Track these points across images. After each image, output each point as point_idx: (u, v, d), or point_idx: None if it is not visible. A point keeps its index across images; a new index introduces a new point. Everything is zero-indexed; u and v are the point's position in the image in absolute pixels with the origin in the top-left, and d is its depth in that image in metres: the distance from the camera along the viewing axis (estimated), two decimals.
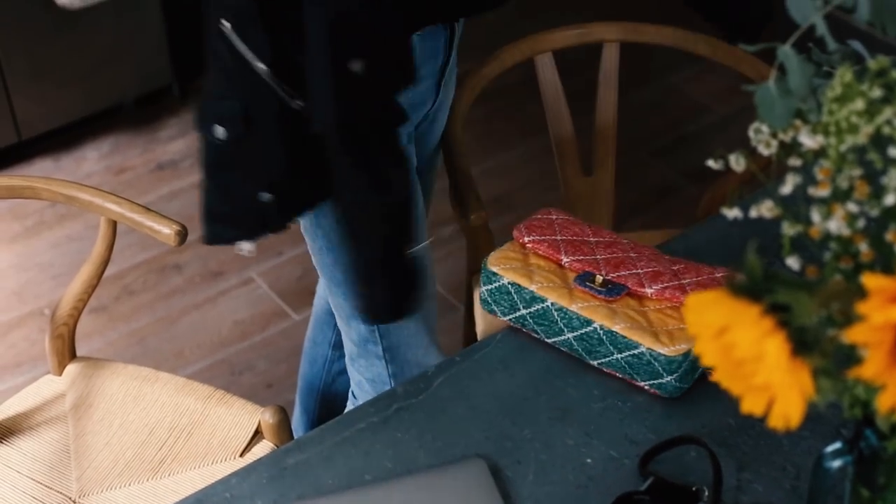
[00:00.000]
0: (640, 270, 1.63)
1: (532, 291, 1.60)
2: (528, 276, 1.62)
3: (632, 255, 1.66)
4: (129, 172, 3.37)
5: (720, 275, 1.60)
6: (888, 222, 0.99)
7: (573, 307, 1.57)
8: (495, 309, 1.64)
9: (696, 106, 3.55)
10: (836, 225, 0.99)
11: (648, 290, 1.60)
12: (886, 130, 0.98)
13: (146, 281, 3.05)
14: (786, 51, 1.07)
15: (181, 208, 3.20)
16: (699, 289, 1.58)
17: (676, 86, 3.63)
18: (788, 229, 1.02)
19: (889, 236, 0.98)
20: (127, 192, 3.20)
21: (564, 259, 1.65)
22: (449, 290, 2.97)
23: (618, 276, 1.62)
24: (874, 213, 0.99)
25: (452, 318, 2.81)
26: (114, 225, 2.01)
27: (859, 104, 0.99)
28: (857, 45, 1.16)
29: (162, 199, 3.26)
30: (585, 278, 1.61)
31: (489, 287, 1.64)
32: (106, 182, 3.29)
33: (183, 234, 1.95)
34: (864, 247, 0.99)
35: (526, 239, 1.69)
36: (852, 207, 0.99)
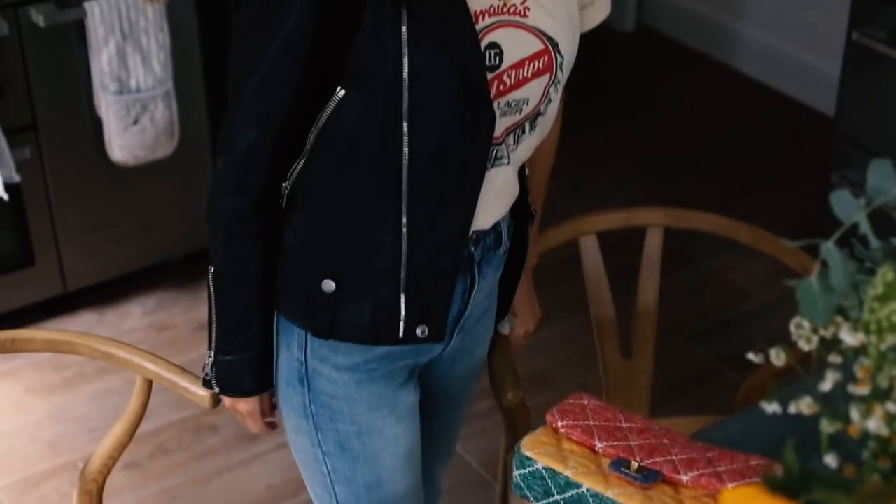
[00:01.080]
0: (674, 457, 1.62)
1: (567, 477, 1.59)
2: (562, 461, 1.62)
3: (665, 441, 1.65)
4: (171, 330, 3.39)
5: (755, 463, 1.59)
6: None
7: (609, 493, 1.56)
8: (528, 494, 1.63)
9: (737, 292, 3.56)
10: (875, 424, 0.99)
11: (684, 478, 1.59)
12: None
13: (181, 440, 3.05)
14: (829, 247, 1.08)
15: None
16: (735, 476, 1.57)
17: (718, 271, 3.64)
18: (827, 427, 1.02)
19: None
20: (168, 350, 3.22)
21: (598, 444, 1.64)
22: (483, 466, 2.94)
23: (652, 462, 1.60)
24: None
25: (486, 497, 2.78)
26: (150, 383, 2.02)
27: None
28: None
29: (202, 359, 3.25)
30: (621, 464, 1.60)
31: (522, 472, 1.64)
32: (147, 338, 3.32)
33: (218, 398, 1.95)
34: None
35: (559, 423, 1.68)
36: (892, 407, 0.99)
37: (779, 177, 4.07)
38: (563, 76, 1.73)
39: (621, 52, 4.92)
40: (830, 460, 1.01)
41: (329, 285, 1.71)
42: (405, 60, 1.57)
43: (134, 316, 3.45)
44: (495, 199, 1.77)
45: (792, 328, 1.09)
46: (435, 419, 2.02)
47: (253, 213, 1.71)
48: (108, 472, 2.06)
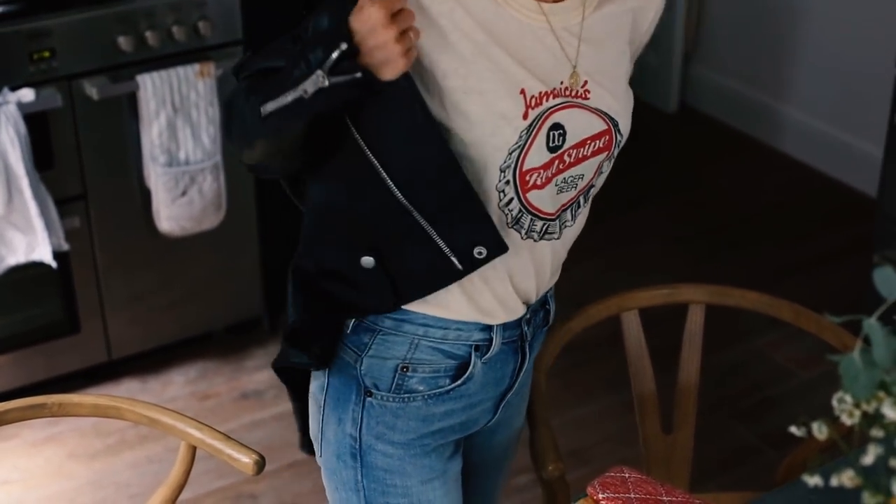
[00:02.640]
0: None
1: None
2: None
3: None
4: (213, 399, 3.42)
5: None
6: None
7: None
8: None
9: (778, 370, 3.55)
10: None
11: None
12: None
13: None
14: (871, 324, 1.09)
15: (262, 438, 3.23)
16: None
17: (760, 349, 3.63)
18: (869, 500, 1.02)
19: None
20: (210, 419, 3.24)
21: None
22: None
23: None
24: None
25: None
26: (193, 450, 2.04)
27: None
28: None
29: (243, 428, 3.29)
30: None
31: None
32: (190, 407, 3.34)
33: (261, 465, 1.97)
34: None
35: (600, 496, 1.69)
36: None
37: (821, 258, 4.07)
38: (617, 152, 1.76)
39: (665, 132, 4.95)
40: None
41: (368, 261, 1.70)
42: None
43: (177, 384, 3.47)
44: (541, 272, 1.79)
45: (834, 402, 1.10)
46: (473, 489, 2.03)
47: None
48: None
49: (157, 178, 3.18)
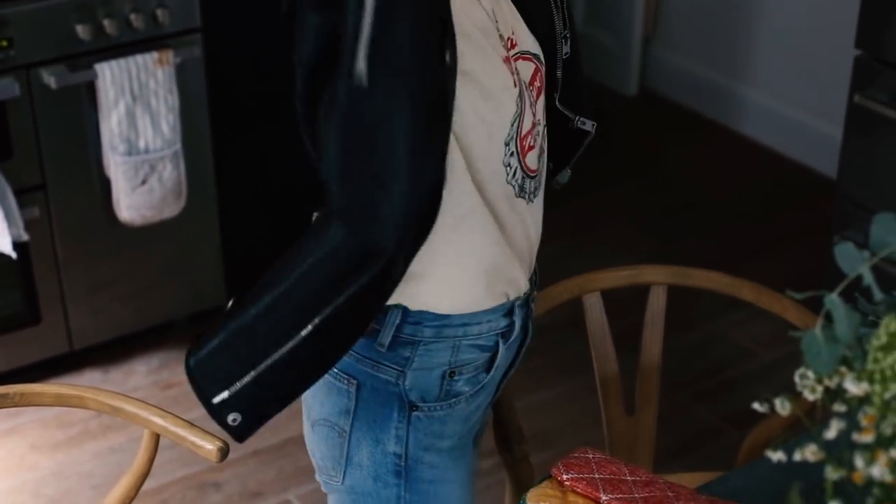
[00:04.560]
0: None
1: None
2: None
3: (669, 494, 1.66)
4: (176, 388, 3.40)
5: None
6: None
7: None
8: None
9: (740, 352, 3.57)
10: (879, 471, 1.00)
11: None
12: None
13: (184, 497, 3.05)
14: (833, 299, 1.10)
15: None
16: None
17: (722, 331, 3.65)
18: (832, 473, 1.03)
19: None
20: (172, 408, 3.20)
21: (603, 497, 1.65)
22: None
23: None
24: None
25: None
26: (157, 438, 2.03)
27: None
28: None
29: (206, 417, 3.23)
30: None
31: None
32: (152, 396, 3.32)
33: (225, 451, 1.96)
34: None
35: (564, 476, 1.69)
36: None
37: (781, 239, 4.09)
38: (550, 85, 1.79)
39: (625, 115, 4.96)
40: None
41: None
42: None
43: (139, 374, 3.46)
44: (536, 235, 1.79)
45: (797, 378, 1.10)
46: None
47: None
48: None
49: (116, 167, 3.16)
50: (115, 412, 2.04)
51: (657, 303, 2.31)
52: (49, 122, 3.13)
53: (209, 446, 1.96)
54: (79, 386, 2.08)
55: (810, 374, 1.11)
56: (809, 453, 1.04)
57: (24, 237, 3.11)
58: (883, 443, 1.02)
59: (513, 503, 2.23)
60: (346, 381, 1.73)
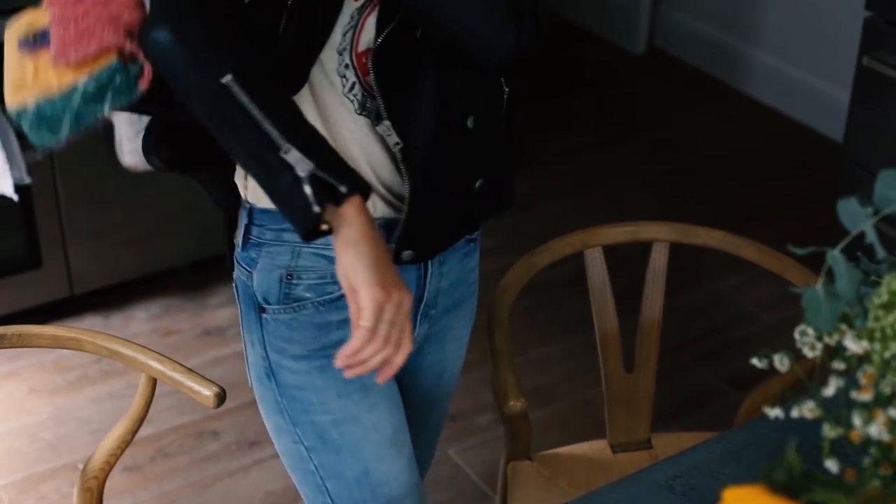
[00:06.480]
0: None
1: None
2: None
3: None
4: (175, 336, 3.40)
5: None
6: None
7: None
8: None
9: (741, 313, 3.56)
10: (877, 430, 0.99)
11: None
12: None
13: (182, 444, 3.05)
14: (835, 255, 1.09)
15: (224, 374, 3.21)
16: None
17: (724, 292, 3.64)
18: (829, 431, 1.02)
19: None
20: (172, 355, 3.19)
21: None
22: (483, 479, 2.94)
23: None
24: None
25: None
26: (154, 383, 2.03)
27: None
28: None
29: (206, 365, 3.28)
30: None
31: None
32: (152, 343, 3.32)
33: (222, 397, 1.96)
34: None
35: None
36: (894, 413, 0.99)
37: (786, 201, 4.08)
38: None
39: (632, 73, 4.94)
40: (831, 465, 1.02)
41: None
42: None
43: (139, 321, 3.46)
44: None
45: (797, 335, 1.10)
46: (410, 420, 1.97)
47: None
48: (110, 470, 2.06)
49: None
50: (112, 355, 2.03)
51: (659, 260, 2.30)
52: None
53: (206, 392, 1.96)
54: (77, 329, 2.08)
55: (810, 331, 1.10)
56: (807, 410, 1.04)
57: (27, 180, 3.09)
58: (882, 402, 1.01)
59: (509, 458, 2.23)
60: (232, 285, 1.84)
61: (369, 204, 1.65)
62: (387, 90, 1.66)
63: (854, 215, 1.10)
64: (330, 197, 1.50)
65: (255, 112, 1.49)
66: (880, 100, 3.15)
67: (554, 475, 2.21)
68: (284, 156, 1.49)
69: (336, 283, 1.69)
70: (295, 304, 1.77)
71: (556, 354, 3.38)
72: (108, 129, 3.19)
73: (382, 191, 1.74)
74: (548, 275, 2.28)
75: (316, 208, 1.49)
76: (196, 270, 3.60)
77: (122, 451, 2.05)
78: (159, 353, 2.02)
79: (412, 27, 1.64)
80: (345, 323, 1.74)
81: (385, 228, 1.73)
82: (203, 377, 1.98)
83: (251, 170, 1.55)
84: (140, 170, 3.21)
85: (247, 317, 1.84)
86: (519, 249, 2.20)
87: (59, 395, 3.19)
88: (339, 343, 1.67)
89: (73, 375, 3.25)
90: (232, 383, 3.14)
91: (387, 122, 1.67)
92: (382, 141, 1.70)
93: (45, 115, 1.67)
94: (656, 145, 4.43)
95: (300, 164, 1.49)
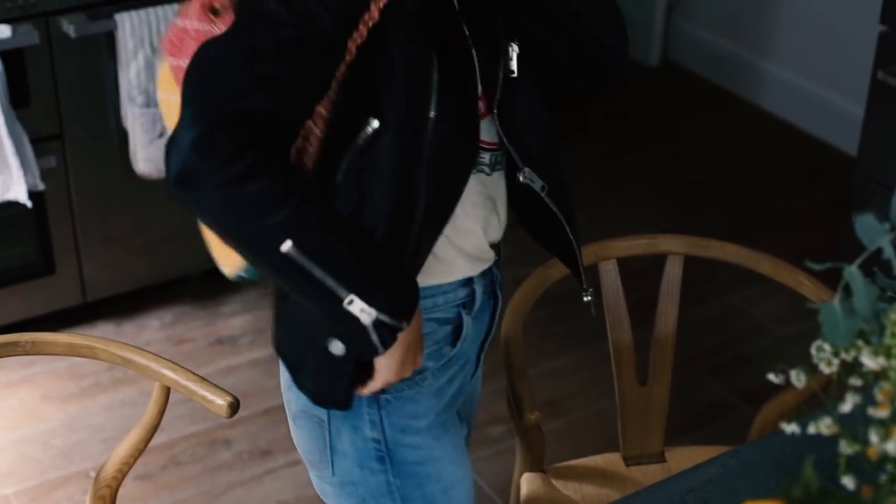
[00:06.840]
0: None
1: None
2: None
3: None
4: (188, 344, 3.41)
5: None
6: None
7: None
8: None
9: (755, 327, 3.56)
10: (894, 447, 0.99)
11: None
12: None
13: (194, 453, 3.05)
14: (852, 271, 1.08)
15: (236, 383, 3.22)
16: None
17: (737, 305, 3.64)
18: (846, 448, 1.02)
19: None
20: (185, 363, 3.19)
21: None
22: (496, 490, 2.94)
23: None
24: None
25: None
26: (167, 391, 2.03)
27: None
28: None
29: (218, 373, 3.28)
30: None
31: None
32: (164, 351, 3.32)
33: (235, 407, 1.96)
34: None
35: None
36: None
37: (799, 215, 4.07)
38: None
39: (646, 86, 4.94)
40: (848, 482, 1.01)
41: (337, 347, 1.62)
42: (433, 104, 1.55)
43: (151, 329, 3.46)
44: (501, 207, 1.76)
45: (813, 350, 1.09)
46: None
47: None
48: (122, 479, 2.06)
49: (134, 118, 3.15)
50: (126, 363, 2.04)
51: (674, 272, 2.29)
52: (67, 71, 3.12)
53: (219, 401, 1.96)
54: (90, 336, 2.08)
55: (827, 346, 1.09)
56: (824, 426, 1.03)
57: (40, 186, 3.10)
58: None
59: (522, 470, 2.23)
60: None
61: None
62: (513, 137, 1.68)
63: (871, 231, 1.10)
64: (391, 336, 1.55)
65: (317, 272, 1.49)
66: (894, 114, 3.15)
67: (567, 487, 2.21)
68: (348, 307, 1.50)
69: (448, 343, 1.75)
70: (418, 378, 1.73)
71: (570, 366, 3.38)
72: (123, 136, 3.21)
73: (488, 254, 1.76)
74: (562, 287, 2.27)
75: (381, 349, 1.55)
76: (209, 279, 3.60)
77: (135, 459, 2.06)
78: (172, 362, 2.02)
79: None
80: (452, 380, 1.78)
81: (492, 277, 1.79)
82: (216, 386, 1.98)
83: (315, 311, 1.57)
84: (154, 177, 3.24)
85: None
86: (533, 261, 2.19)
87: (72, 403, 3.19)
88: (450, 403, 1.76)
89: (86, 383, 3.25)
90: (244, 392, 3.15)
91: (526, 169, 1.69)
92: (491, 201, 1.71)
93: (251, 270, 1.73)
94: (670, 157, 4.43)
95: (363, 314, 1.51)
